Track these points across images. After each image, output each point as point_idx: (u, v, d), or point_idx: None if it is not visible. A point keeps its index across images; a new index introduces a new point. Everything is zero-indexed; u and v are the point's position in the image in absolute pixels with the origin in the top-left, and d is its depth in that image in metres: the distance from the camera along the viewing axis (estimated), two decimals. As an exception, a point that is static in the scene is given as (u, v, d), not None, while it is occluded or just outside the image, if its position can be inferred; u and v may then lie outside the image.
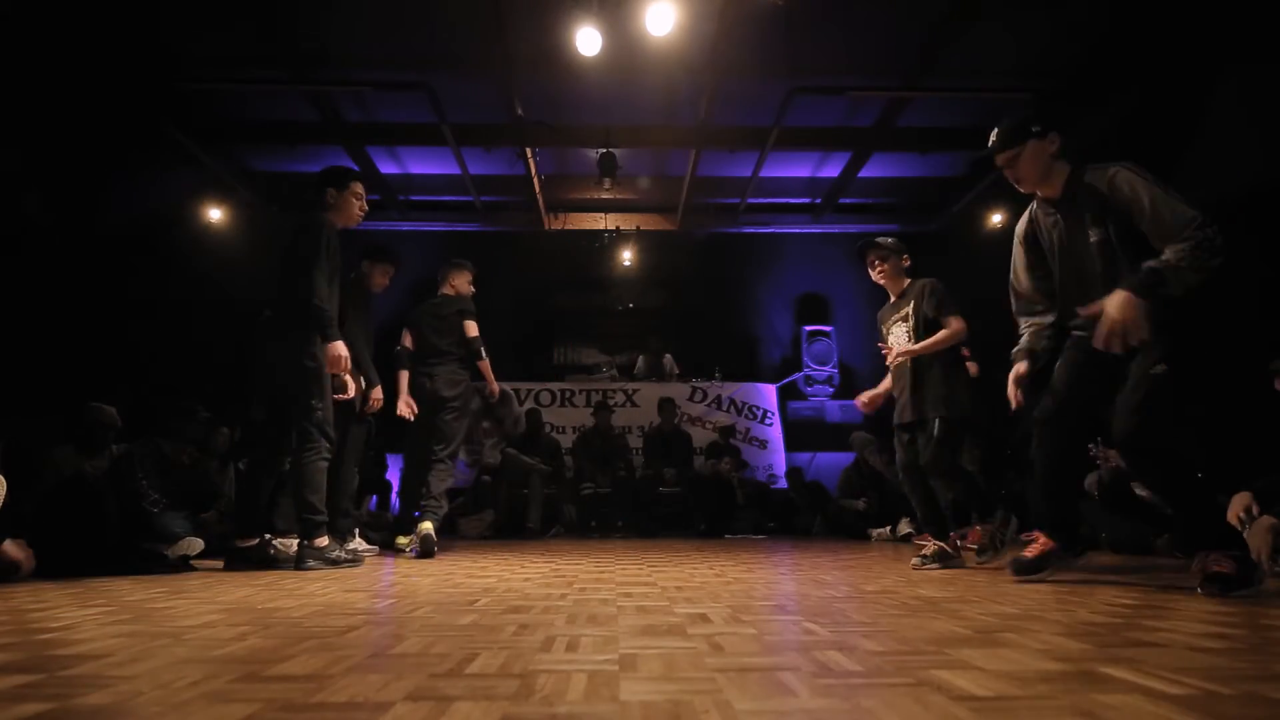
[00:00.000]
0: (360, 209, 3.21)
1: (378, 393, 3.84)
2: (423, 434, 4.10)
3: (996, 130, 2.31)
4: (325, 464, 3.00)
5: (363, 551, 3.77)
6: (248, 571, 2.84)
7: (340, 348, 3.00)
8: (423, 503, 3.86)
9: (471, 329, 4.12)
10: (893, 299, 3.26)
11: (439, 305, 4.21)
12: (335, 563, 2.95)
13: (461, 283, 4.30)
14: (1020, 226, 2.41)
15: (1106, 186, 2.09)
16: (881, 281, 3.26)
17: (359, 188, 3.20)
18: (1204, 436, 3.86)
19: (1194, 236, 1.90)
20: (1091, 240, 2.14)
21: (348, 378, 3.20)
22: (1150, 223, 2.00)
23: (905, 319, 3.15)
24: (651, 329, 8.47)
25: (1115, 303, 1.95)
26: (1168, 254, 1.94)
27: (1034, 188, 2.29)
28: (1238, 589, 1.85)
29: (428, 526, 3.69)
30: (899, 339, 3.14)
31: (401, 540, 4.10)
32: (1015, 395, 2.41)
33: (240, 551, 2.95)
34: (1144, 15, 4.95)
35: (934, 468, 2.97)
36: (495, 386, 4.27)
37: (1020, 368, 2.42)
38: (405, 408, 4.03)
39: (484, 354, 4.11)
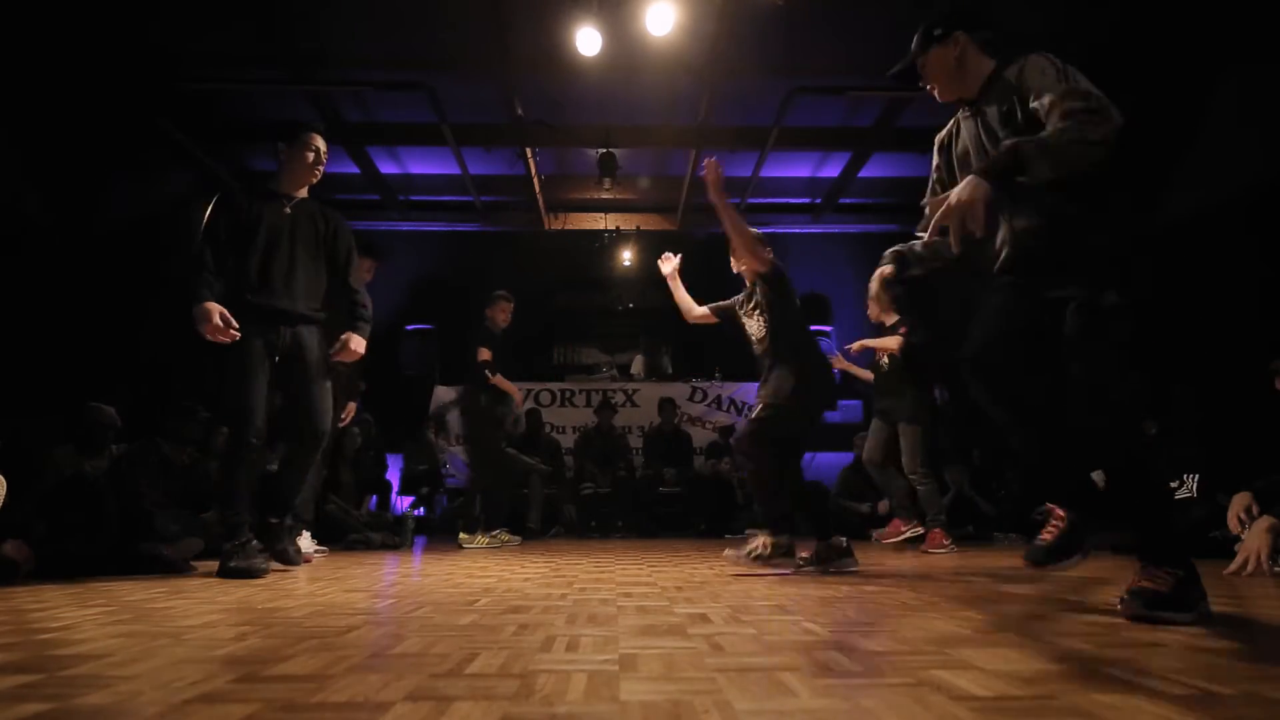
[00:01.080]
0: (313, 161, 2.86)
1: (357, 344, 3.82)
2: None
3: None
4: (238, 461, 2.62)
5: (315, 553, 3.63)
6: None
7: (207, 309, 2.52)
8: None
9: (480, 354, 4.47)
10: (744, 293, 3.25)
11: (468, 332, 4.67)
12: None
13: (494, 313, 4.64)
14: (941, 133, 2.16)
15: (1016, 77, 1.79)
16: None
17: (313, 140, 2.85)
18: (1204, 437, 3.87)
19: (1080, 106, 1.60)
20: (1003, 142, 1.79)
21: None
22: (1044, 95, 1.69)
23: (756, 306, 3.20)
24: (652, 329, 8.48)
25: (960, 187, 1.62)
26: (1046, 130, 1.61)
27: (950, 94, 2.04)
28: (1058, 560, 1.66)
29: (463, 537, 4.42)
30: (753, 329, 3.19)
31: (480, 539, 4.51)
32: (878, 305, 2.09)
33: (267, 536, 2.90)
34: (1144, 16, 4.95)
35: (737, 446, 2.97)
36: (518, 396, 4.73)
37: (885, 269, 2.14)
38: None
39: (491, 374, 4.48)
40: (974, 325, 1.81)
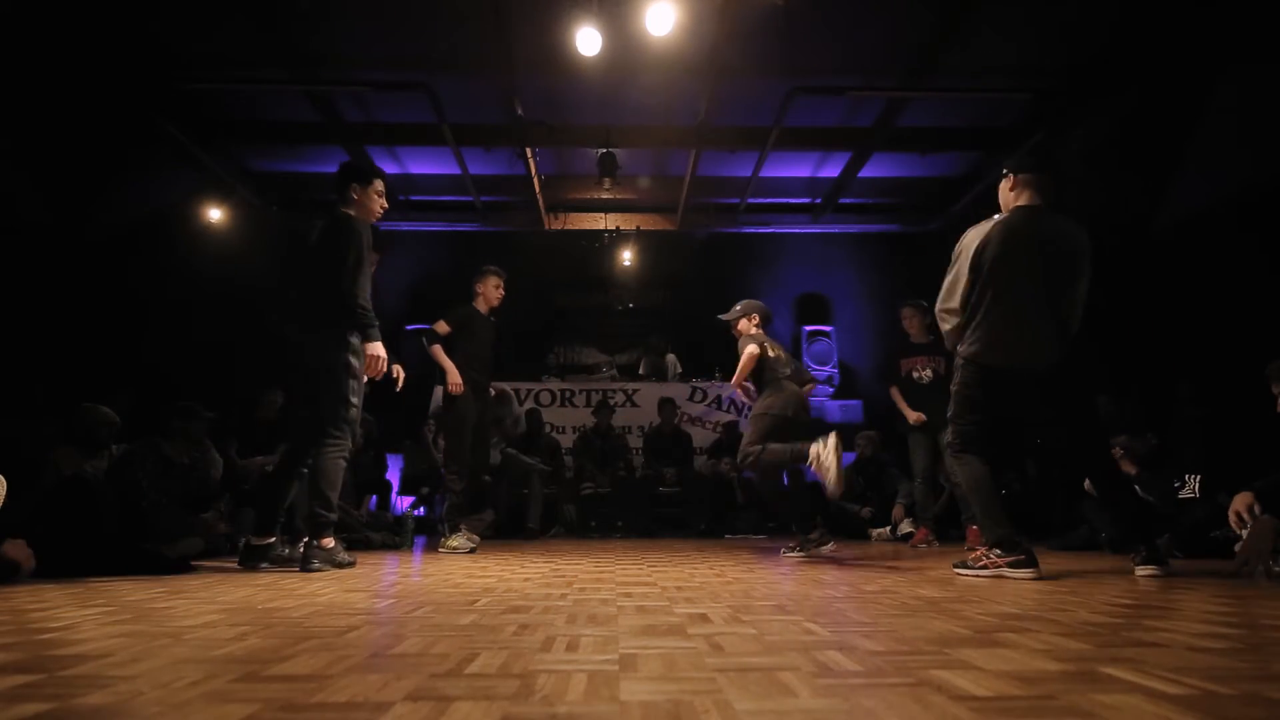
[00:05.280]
0: (381, 205, 3.19)
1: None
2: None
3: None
4: (345, 463, 3.00)
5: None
6: (259, 570, 2.85)
7: (381, 348, 3.00)
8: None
9: (436, 324, 4.30)
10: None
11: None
12: (340, 565, 2.93)
13: (483, 288, 4.38)
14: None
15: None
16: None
17: (380, 185, 3.18)
18: (1206, 437, 3.87)
19: None
20: None
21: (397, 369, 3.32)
22: None
23: None
24: (652, 329, 8.48)
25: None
26: None
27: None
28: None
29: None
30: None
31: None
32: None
33: (256, 549, 2.94)
34: (1144, 15, 4.95)
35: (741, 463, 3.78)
36: (453, 375, 4.13)
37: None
38: None
39: (429, 342, 4.20)
40: None
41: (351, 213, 3.07)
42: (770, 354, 3.97)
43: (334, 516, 2.95)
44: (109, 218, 6.59)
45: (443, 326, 4.16)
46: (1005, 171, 2.70)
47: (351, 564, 3.01)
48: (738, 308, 4.19)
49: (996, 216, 2.65)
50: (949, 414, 2.73)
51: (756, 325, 4.13)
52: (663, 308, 8.88)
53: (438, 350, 4.12)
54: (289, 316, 3.02)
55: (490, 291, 4.34)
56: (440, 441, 7.15)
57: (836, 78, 5.87)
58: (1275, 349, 3.32)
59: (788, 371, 3.97)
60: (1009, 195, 2.66)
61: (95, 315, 6.32)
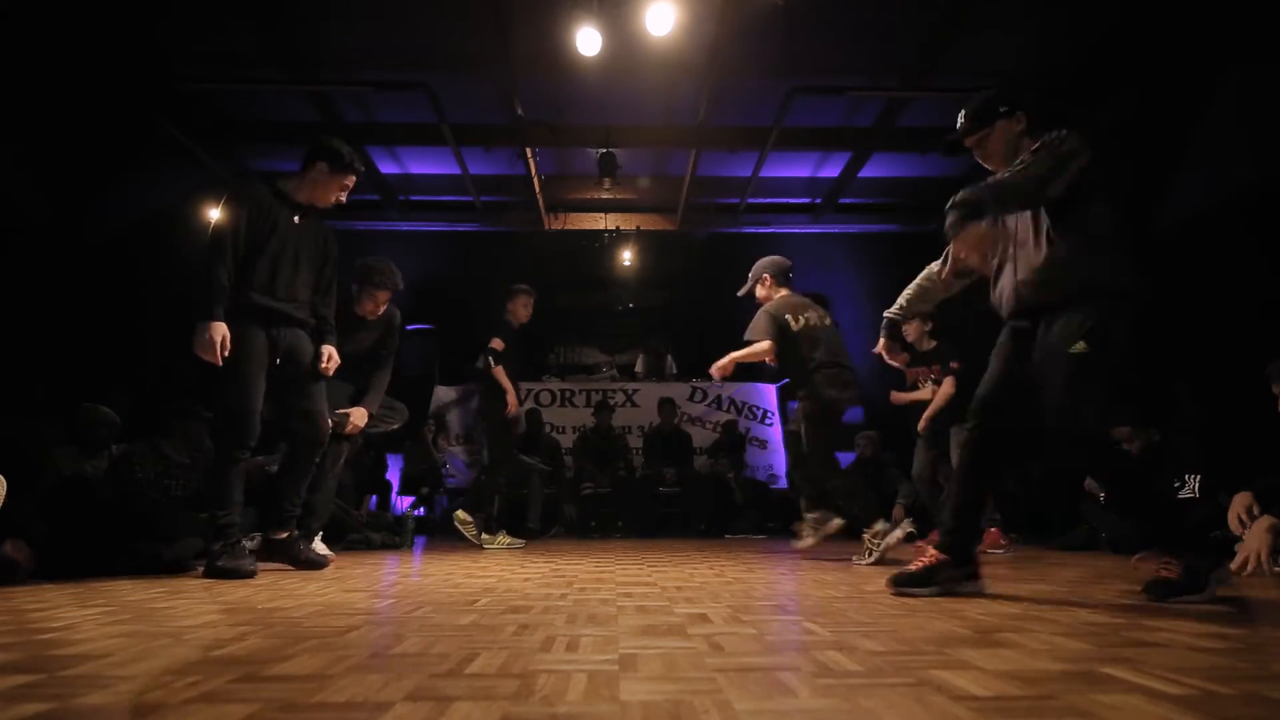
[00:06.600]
0: (338, 199, 2.89)
1: (359, 416, 3.47)
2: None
3: (963, 111, 2.16)
4: (231, 462, 2.66)
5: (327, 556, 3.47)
6: (274, 564, 2.87)
7: (213, 329, 2.51)
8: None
9: (493, 341, 4.38)
10: None
11: (488, 326, 4.54)
12: (225, 572, 2.50)
13: (514, 307, 4.50)
14: None
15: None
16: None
17: (349, 181, 2.90)
18: (1205, 437, 3.87)
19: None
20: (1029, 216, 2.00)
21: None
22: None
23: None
24: (651, 329, 8.49)
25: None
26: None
27: (1001, 167, 2.09)
28: (1180, 595, 1.77)
29: (485, 537, 4.26)
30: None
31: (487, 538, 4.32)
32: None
33: (274, 544, 2.90)
34: (1144, 15, 4.95)
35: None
36: (512, 397, 4.33)
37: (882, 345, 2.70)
38: None
39: (494, 362, 4.34)
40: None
41: (271, 183, 2.82)
42: (794, 326, 3.38)
43: (226, 520, 2.61)
44: (109, 218, 6.59)
45: (499, 344, 4.30)
46: (1007, 110, 2.11)
47: (249, 574, 2.52)
48: (750, 276, 3.70)
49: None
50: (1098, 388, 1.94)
51: (772, 286, 3.58)
52: (663, 308, 8.89)
53: (500, 371, 4.27)
54: None
55: (520, 310, 4.49)
56: (440, 442, 7.18)
57: (836, 78, 5.86)
58: (1275, 349, 3.32)
59: (820, 355, 3.38)
60: (1025, 142, 2.11)
61: (95, 315, 6.31)
